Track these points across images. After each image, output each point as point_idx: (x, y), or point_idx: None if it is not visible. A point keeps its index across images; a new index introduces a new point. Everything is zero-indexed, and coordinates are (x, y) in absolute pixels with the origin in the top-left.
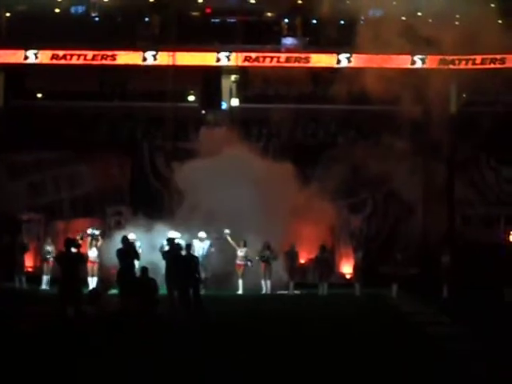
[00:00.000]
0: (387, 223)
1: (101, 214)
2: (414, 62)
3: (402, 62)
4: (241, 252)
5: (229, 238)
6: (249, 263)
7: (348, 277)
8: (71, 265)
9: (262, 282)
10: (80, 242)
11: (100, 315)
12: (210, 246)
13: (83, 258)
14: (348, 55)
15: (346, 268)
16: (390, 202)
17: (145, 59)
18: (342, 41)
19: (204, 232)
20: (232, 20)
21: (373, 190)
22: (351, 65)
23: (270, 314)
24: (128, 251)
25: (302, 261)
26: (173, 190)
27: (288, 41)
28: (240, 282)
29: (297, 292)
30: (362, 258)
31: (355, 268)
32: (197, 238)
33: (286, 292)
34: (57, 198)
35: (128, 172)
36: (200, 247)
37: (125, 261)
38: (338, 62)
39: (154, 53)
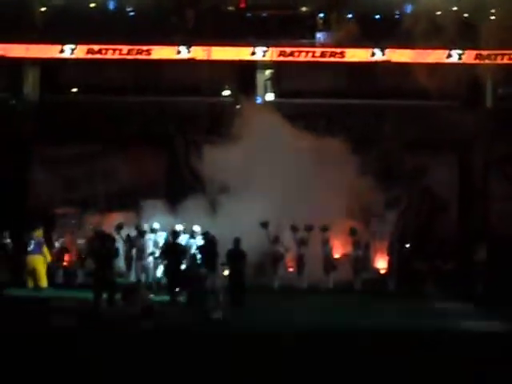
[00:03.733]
0: (422, 219)
1: (135, 208)
2: (450, 57)
3: (439, 56)
4: (274, 246)
5: (266, 232)
6: None
7: (382, 272)
8: (106, 258)
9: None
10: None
11: (132, 310)
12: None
13: (117, 252)
14: (383, 50)
15: (381, 263)
16: (425, 198)
17: (179, 53)
18: (377, 36)
19: (198, 226)
20: (267, 14)
21: (408, 186)
22: (386, 59)
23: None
24: (175, 247)
25: (337, 255)
26: (208, 182)
27: (323, 35)
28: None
29: None
30: (397, 254)
31: (390, 263)
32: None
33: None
34: (91, 193)
35: (163, 166)
36: (193, 244)
37: (172, 256)
38: (373, 56)
39: (188, 47)
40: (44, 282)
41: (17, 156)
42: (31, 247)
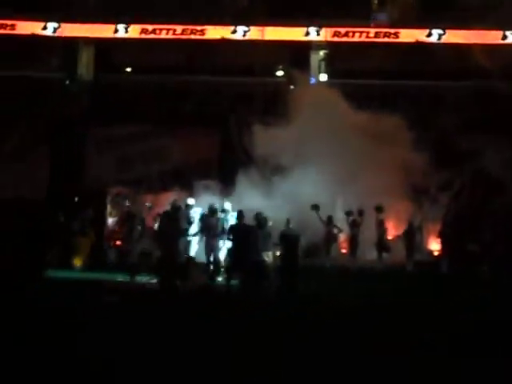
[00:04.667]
0: (476, 200)
1: (189, 188)
2: (505, 38)
3: (494, 37)
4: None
5: (316, 214)
6: None
7: (436, 254)
8: (173, 239)
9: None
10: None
11: (186, 289)
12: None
13: (181, 232)
14: (438, 31)
15: (434, 245)
16: (479, 180)
17: (235, 33)
18: (431, 16)
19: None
20: None
21: (462, 167)
22: (440, 40)
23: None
24: (243, 229)
25: (390, 237)
26: (261, 162)
27: (383, 16)
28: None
29: None
30: (451, 236)
31: (443, 245)
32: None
33: None
34: (145, 172)
35: (216, 146)
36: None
37: (239, 239)
38: (428, 36)
39: (242, 27)
40: (81, 262)
41: (71, 136)
42: (78, 227)
